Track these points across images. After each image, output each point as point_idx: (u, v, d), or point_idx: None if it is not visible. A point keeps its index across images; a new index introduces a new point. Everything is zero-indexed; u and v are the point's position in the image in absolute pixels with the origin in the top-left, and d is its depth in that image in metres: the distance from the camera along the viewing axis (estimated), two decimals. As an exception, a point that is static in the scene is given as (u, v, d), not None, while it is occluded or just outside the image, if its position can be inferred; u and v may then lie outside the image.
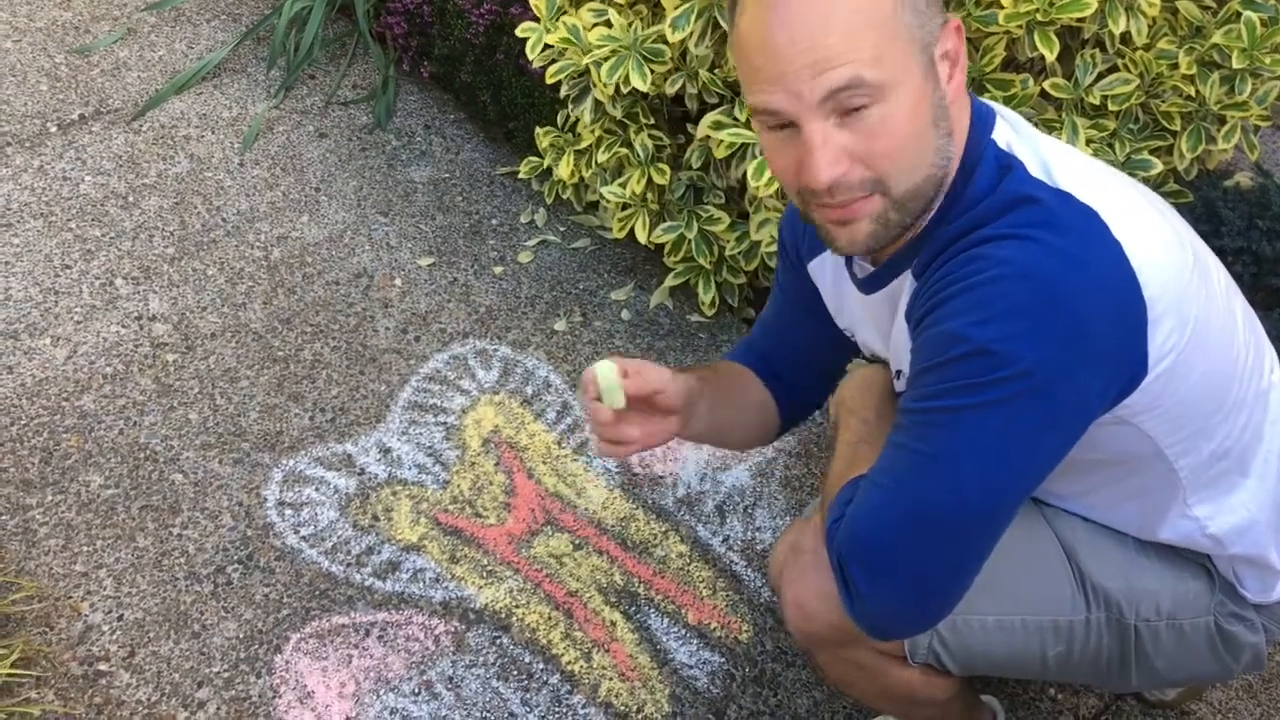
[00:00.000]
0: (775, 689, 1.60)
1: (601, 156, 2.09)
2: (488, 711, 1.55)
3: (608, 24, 1.95)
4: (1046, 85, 1.77)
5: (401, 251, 2.30)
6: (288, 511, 1.79)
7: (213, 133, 2.55)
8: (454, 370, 2.05)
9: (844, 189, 0.95)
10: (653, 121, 2.05)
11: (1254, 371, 1.08)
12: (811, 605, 1.16)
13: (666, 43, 1.87)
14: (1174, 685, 1.53)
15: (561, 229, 2.39)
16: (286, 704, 1.54)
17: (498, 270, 2.27)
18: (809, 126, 0.93)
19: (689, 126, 2.07)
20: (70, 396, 1.94)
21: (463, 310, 2.17)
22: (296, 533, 1.75)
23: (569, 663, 1.61)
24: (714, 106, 1.93)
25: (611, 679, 1.59)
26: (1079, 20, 1.67)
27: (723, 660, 1.63)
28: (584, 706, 1.56)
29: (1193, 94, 1.76)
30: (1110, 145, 1.80)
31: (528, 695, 1.57)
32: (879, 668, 1.21)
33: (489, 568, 1.73)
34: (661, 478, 1.88)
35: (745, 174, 1.83)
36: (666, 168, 2.02)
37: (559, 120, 2.27)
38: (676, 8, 1.80)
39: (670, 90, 1.94)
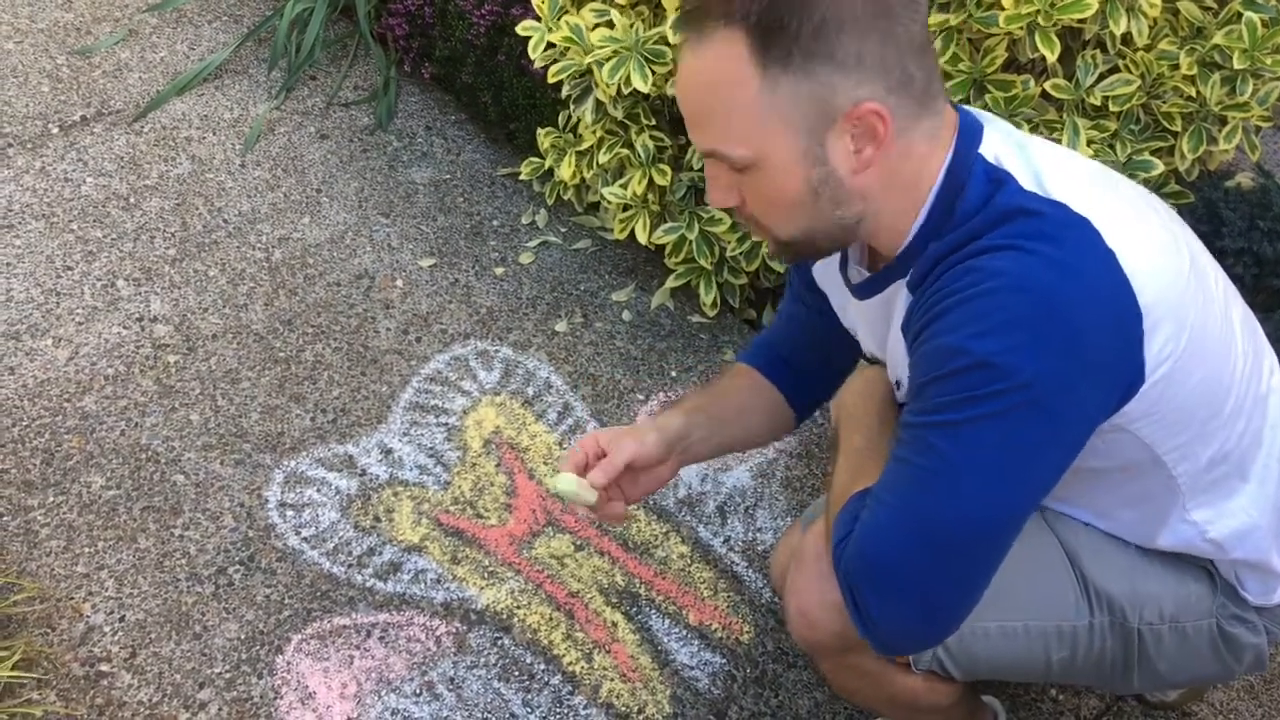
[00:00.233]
0: (776, 690, 1.60)
1: (603, 157, 2.09)
2: (489, 712, 1.55)
3: (609, 24, 1.95)
4: (1048, 86, 1.77)
5: (403, 252, 2.30)
6: (289, 512, 1.79)
7: (214, 134, 2.55)
8: (455, 371, 2.05)
9: (740, 215, 1.05)
10: (654, 122, 2.05)
11: (1253, 377, 1.08)
12: (815, 614, 1.16)
13: (668, 43, 1.87)
14: (1176, 687, 1.53)
15: (563, 230, 2.39)
16: (288, 705, 1.54)
17: (499, 271, 2.27)
18: (705, 162, 1.03)
19: (690, 127, 2.07)
20: (72, 398, 1.94)
21: (464, 311, 2.17)
22: (298, 534, 1.76)
23: (570, 664, 1.61)
24: (715, 107, 1.93)
25: (613, 680, 1.59)
26: (1080, 21, 1.67)
27: (724, 661, 1.63)
28: (585, 707, 1.56)
29: (1194, 95, 1.76)
30: (1111, 146, 1.80)
31: (529, 696, 1.57)
32: (883, 675, 1.21)
33: (490, 569, 1.73)
34: (663, 479, 1.88)
35: (746, 175, 1.83)
36: (668, 169, 2.02)
37: (560, 121, 2.28)
38: (678, 8, 1.80)
39: (671, 91, 1.94)
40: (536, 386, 2.03)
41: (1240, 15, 1.72)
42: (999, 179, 0.97)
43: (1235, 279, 1.87)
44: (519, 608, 1.68)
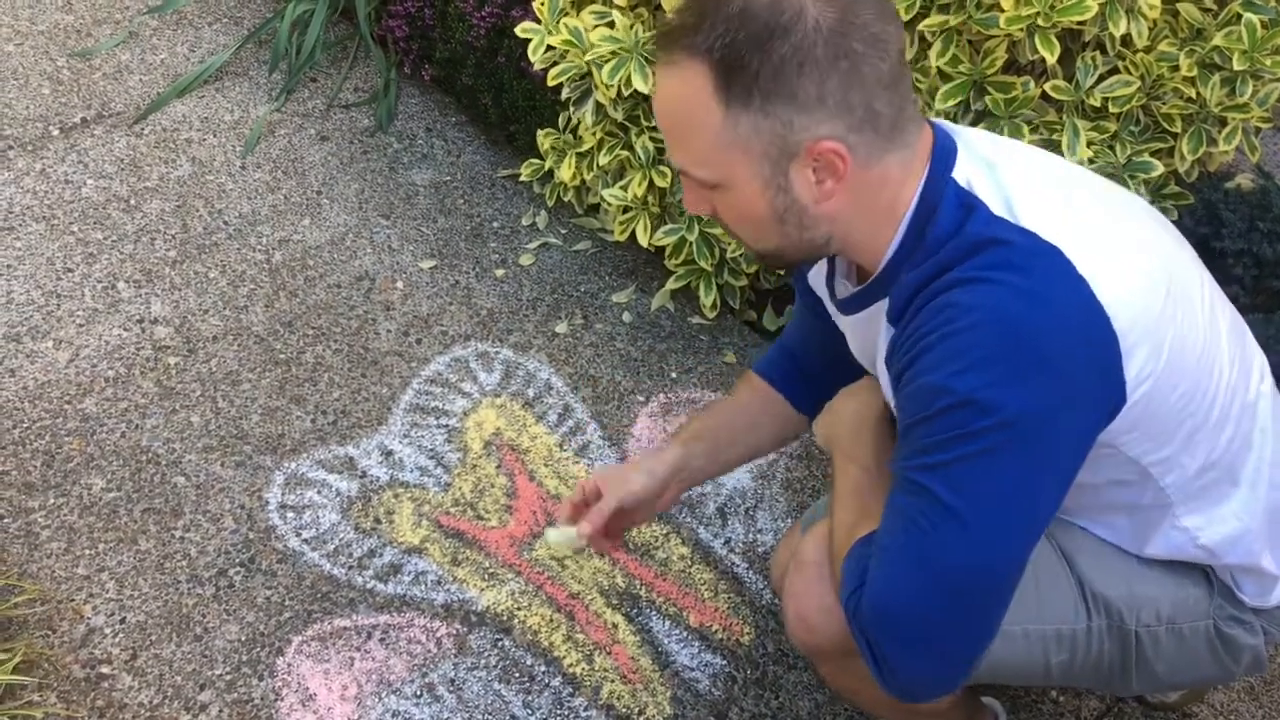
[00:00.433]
0: (777, 691, 1.60)
1: (603, 159, 2.09)
2: (489, 714, 1.55)
3: (610, 25, 1.95)
4: (1047, 87, 1.78)
5: (403, 254, 2.30)
6: (289, 514, 1.79)
7: (214, 136, 2.56)
8: (455, 373, 2.05)
9: (716, 221, 1.09)
10: (654, 124, 2.05)
11: (1239, 384, 1.08)
12: (814, 618, 1.16)
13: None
14: (1176, 688, 1.53)
15: (563, 232, 2.39)
16: (289, 707, 1.54)
17: (499, 273, 2.27)
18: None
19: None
20: (72, 400, 1.94)
21: (464, 313, 2.17)
22: (298, 535, 1.76)
23: (571, 665, 1.61)
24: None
25: (613, 681, 1.59)
26: (1080, 23, 1.67)
27: (724, 663, 1.63)
28: (586, 709, 1.56)
29: (1193, 96, 1.76)
30: (1111, 147, 1.81)
31: (529, 698, 1.57)
32: None
33: (491, 570, 1.73)
34: (663, 480, 1.88)
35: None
36: (668, 170, 2.02)
37: (560, 123, 2.28)
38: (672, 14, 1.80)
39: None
40: (537, 388, 2.03)
41: (1240, 17, 1.72)
42: (970, 205, 0.97)
43: (1235, 280, 1.87)
44: (519, 609, 1.68)
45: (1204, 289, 1.08)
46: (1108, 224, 1.01)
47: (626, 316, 2.19)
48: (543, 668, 1.61)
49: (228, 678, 1.57)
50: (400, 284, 2.23)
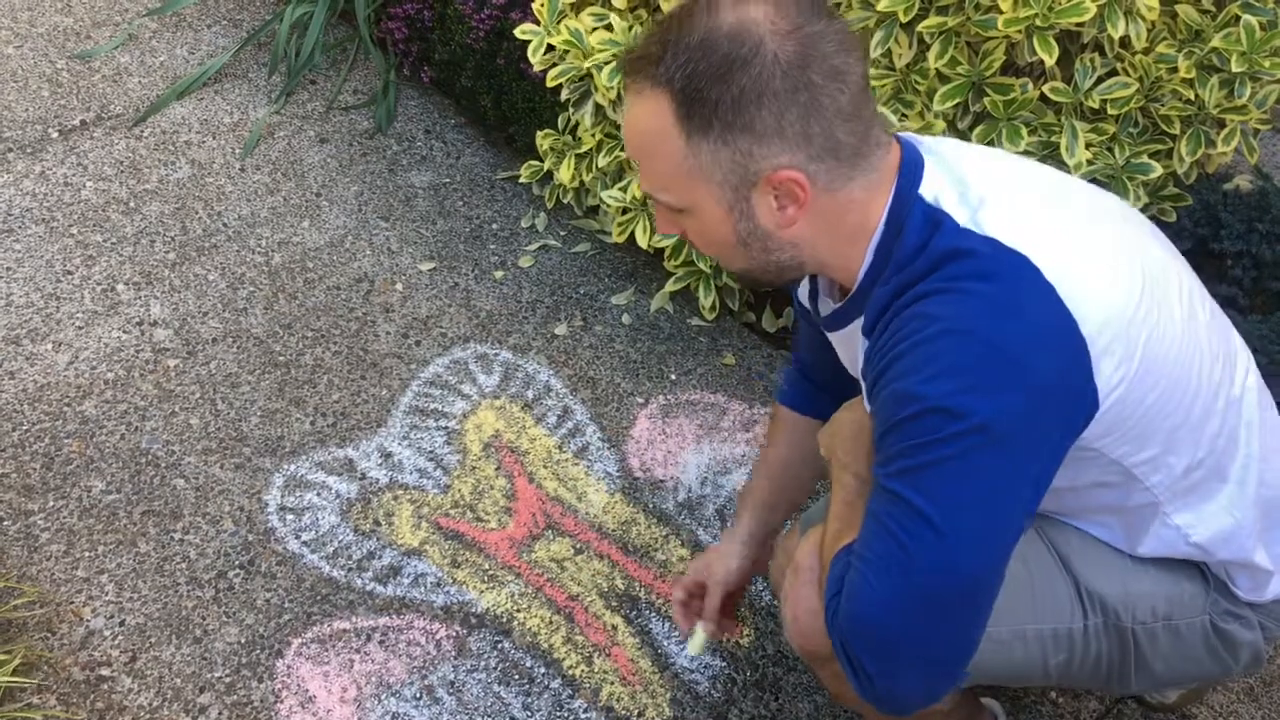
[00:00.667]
0: (776, 693, 1.60)
1: (602, 160, 2.09)
2: (489, 716, 1.55)
3: (609, 27, 1.95)
4: (1046, 89, 1.78)
5: (402, 256, 2.30)
6: (289, 516, 1.79)
7: (214, 138, 2.56)
8: (455, 375, 2.05)
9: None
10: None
11: (1223, 380, 1.08)
12: (808, 622, 1.16)
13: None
14: (1175, 686, 1.53)
15: (562, 233, 2.39)
16: (288, 709, 1.54)
17: (498, 275, 2.27)
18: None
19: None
20: (72, 402, 1.94)
21: (464, 315, 2.18)
22: (298, 537, 1.76)
23: (570, 667, 1.61)
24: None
25: (613, 683, 1.59)
26: (1078, 24, 1.67)
27: (724, 664, 1.63)
28: (585, 711, 1.56)
29: (1192, 98, 1.77)
30: (1110, 149, 1.81)
31: (529, 699, 1.57)
32: None
33: (490, 572, 1.73)
34: (662, 482, 1.88)
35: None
36: (667, 172, 2.02)
37: (559, 124, 2.28)
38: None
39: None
40: (536, 390, 2.03)
41: (1238, 18, 1.72)
42: (936, 220, 0.99)
43: (1234, 281, 1.87)
44: (519, 611, 1.68)
45: (1181, 286, 1.08)
46: (1077, 228, 1.02)
47: (626, 318, 2.20)
48: (542, 669, 1.61)
49: (227, 680, 1.57)
50: (399, 286, 2.23)
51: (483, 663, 1.61)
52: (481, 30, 2.42)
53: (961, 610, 0.97)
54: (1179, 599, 1.16)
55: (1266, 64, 1.70)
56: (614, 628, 1.66)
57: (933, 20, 1.71)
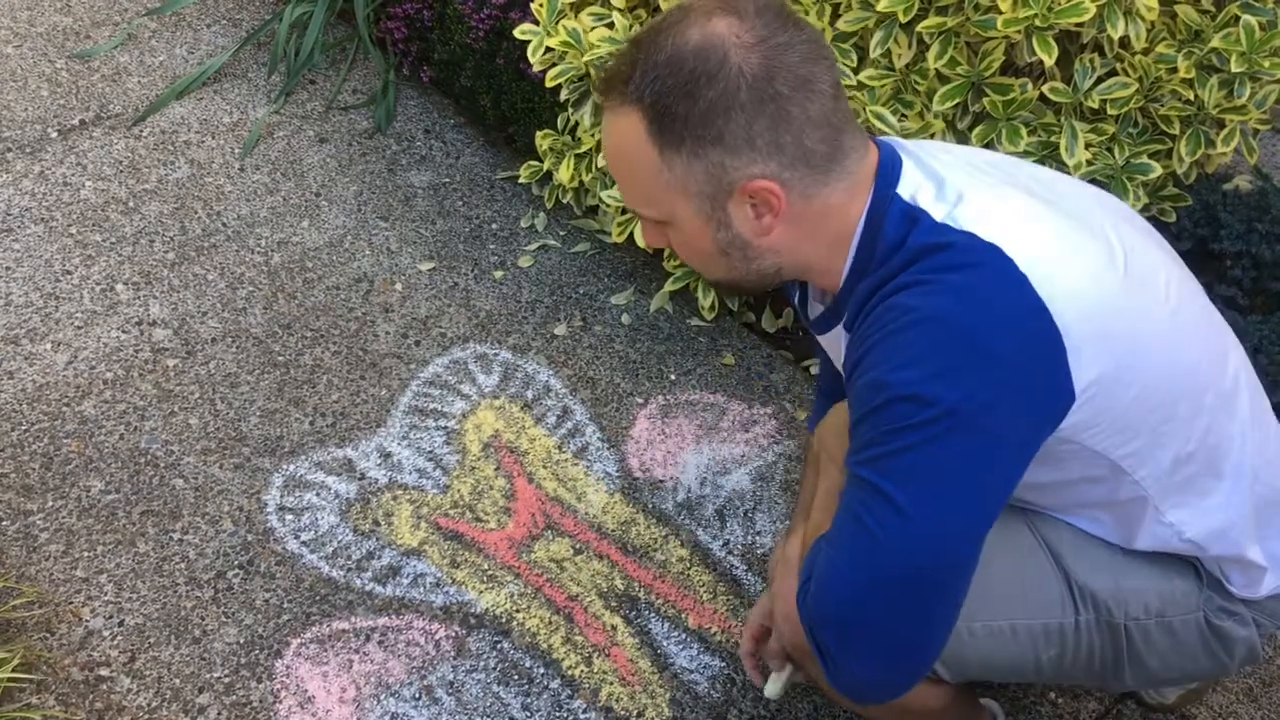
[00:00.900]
0: (776, 693, 1.60)
1: (601, 161, 2.09)
2: (488, 716, 1.55)
3: (609, 27, 1.95)
4: (1045, 89, 1.78)
5: (402, 256, 2.30)
6: (288, 516, 1.79)
7: (213, 138, 2.56)
8: (454, 375, 2.05)
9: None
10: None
11: (1212, 375, 1.08)
12: (796, 617, 1.16)
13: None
14: (1171, 684, 1.53)
15: (561, 233, 2.39)
16: (287, 709, 1.54)
17: (498, 275, 2.27)
18: None
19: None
20: (71, 402, 1.94)
21: (463, 315, 2.17)
22: (297, 538, 1.75)
23: (570, 667, 1.61)
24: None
25: (612, 683, 1.59)
26: (1078, 25, 1.67)
27: (723, 664, 1.63)
28: (585, 711, 1.56)
29: (1191, 98, 1.77)
30: (1109, 149, 1.81)
31: (528, 700, 1.57)
32: None
33: (489, 572, 1.73)
34: (662, 482, 1.88)
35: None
36: (666, 172, 2.02)
37: (559, 124, 2.28)
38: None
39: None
40: (536, 390, 2.03)
41: (1238, 18, 1.72)
42: (914, 216, 1.00)
43: (1233, 282, 1.87)
44: (518, 611, 1.68)
45: (1169, 281, 1.08)
46: (1057, 222, 1.02)
47: (625, 318, 2.19)
48: (541, 670, 1.61)
49: (226, 680, 1.57)
50: (399, 286, 2.23)
51: (482, 663, 1.61)
52: (481, 30, 2.42)
53: (928, 596, 0.97)
54: (1171, 595, 1.16)
55: (1266, 64, 1.70)
56: (613, 628, 1.66)
57: (932, 20, 1.71)
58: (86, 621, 1.63)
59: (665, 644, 1.65)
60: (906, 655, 1.00)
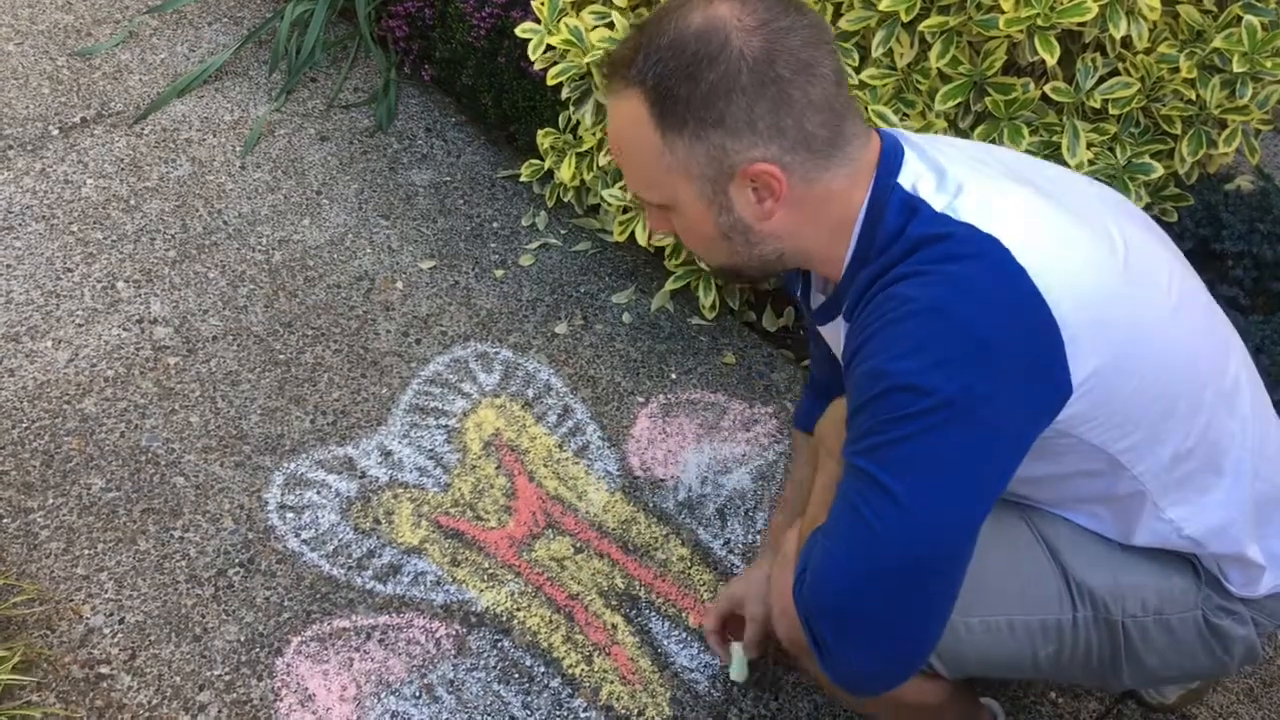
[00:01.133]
0: (776, 693, 1.60)
1: (603, 159, 2.09)
2: (489, 714, 1.55)
3: (610, 25, 1.95)
4: (1047, 89, 1.78)
5: (403, 254, 2.30)
6: (289, 514, 1.79)
7: (214, 136, 2.55)
8: (455, 373, 2.05)
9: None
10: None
11: (1212, 371, 1.08)
12: (794, 612, 1.16)
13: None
14: (1170, 682, 1.53)
15: (563, 232, 2.39)
16: (288, 707, 1.54)
17: (499, 273, 2.27)
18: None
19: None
20: (71, 399, 1.94)
21: (464, 313, 2.17)
22: (297, 536, 1.76)
23: (570, 666, 1.61)
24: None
25: (613, 682, 1.59)
26: (1080, 24, 1.67)
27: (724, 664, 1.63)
28: (585, 710, 1.56)
29: (1193, 98, 1.77)
30: (1111, 149, 1.81)
31: (529, 698, 1.57)
32: None
33: (490, 571, 1.73)
34: (663, 481, 1.88)
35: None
36: (668, 171, 2.02)
37: (560, 123, 2.28)
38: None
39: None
40: (536, 389, 2.03)
41: (1240, 19, 1.72)
42: (914, 206, 1.00)
43: (1235, 282, 1.87)
44: (519, 610, 1.68)
45: (1171, 278, 1.08)
46: (1057, 215, 1.02)
47: (626, 317, 2.19)
48: (542, 668, 1.61)
49: (226, 678, 1.57)
50: (400, 284, 2.23)
51: (482, 661, 1.61)
52: (482, 28, 2.42)
53: (925, 587, 0.98)
54: (1170, 593, 1.16)
55: (1268, 64, 1.70)
56: (614, 627, 1.66)
57: (934, 20, 1.71)
58: (87, 619, 1.63)
59: (666, 643, 1.65)
60: (903, 645, 1.00)
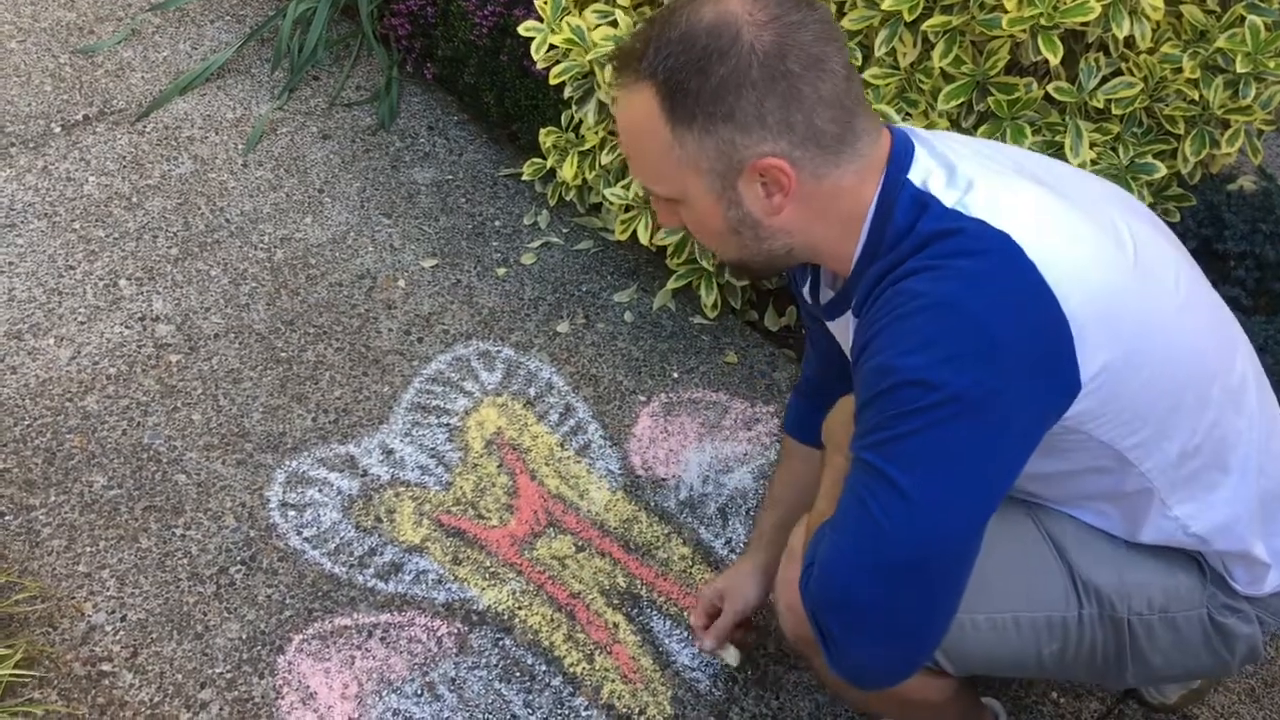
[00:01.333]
0: (777, 692, 1.60)
1: (605, 158, 2.09)
2: (490, 713, 1.55)
3: (613, 24, 1.95)
4: (1050, 89, 1.77)
5: (405, 253, 2.30)
6: (290, 512, 1.79)
7: (216, 134, 2.56)
8: (457, 372, 2.05)
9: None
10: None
11: (1219, 369, 1.09)
12: (801, 610, 1.16)
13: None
14: (1172, 681, 1.53)
15: (564, 231, 2.39)
16: (289, 705, 1.54)
17: (501, 272, 2.27)
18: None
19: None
20: (74, 397, 1.94)
21: (466, 312, 2.17)
22: (299, 534, 1.76)
23: (571, 665, 1.61)
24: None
25: (614, 681, 1.59)
26: (1083, 24, 1.67)
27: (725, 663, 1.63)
28: (586, 709, 1.56)
29: (1196, 98, 1.76)
30: (1114, 149, 1.80)
31: (530, 697, 1.57)
32: None
33: (491, 569, 1.73)
34: (664, 480, 1.88)
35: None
36: (670, 170, 2.02)
37: (562, 121, 2.28)
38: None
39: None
40: (538, 387, 2.03)
41: (1243, 19, 1.72)
42: (924, 202, 1.00)
43: (1237, 282, 1.87)
44: (520, 609, 1.68)
45: (1179, 275, 1.08)
46: (1066, 211, 1.02)
47: (628, 316, 2.19)
48: (543, 667, 1.61)
49: (228, 676, 1.57)
50: (402, 282, 2.23)
51: (484, 660, 1.61)
52: (485, 27, 2.42)
53: (932, 581, 0.98)
54: (1175, 591, 1.16)
55: (1271, 64, 1.70)
56: (615, 626, 1.66)
57: (937, 19, 1.71)
58: (89, 617, 1.63)
59: (667, 642, 1.65)
60: (909, 639, 1.00)
